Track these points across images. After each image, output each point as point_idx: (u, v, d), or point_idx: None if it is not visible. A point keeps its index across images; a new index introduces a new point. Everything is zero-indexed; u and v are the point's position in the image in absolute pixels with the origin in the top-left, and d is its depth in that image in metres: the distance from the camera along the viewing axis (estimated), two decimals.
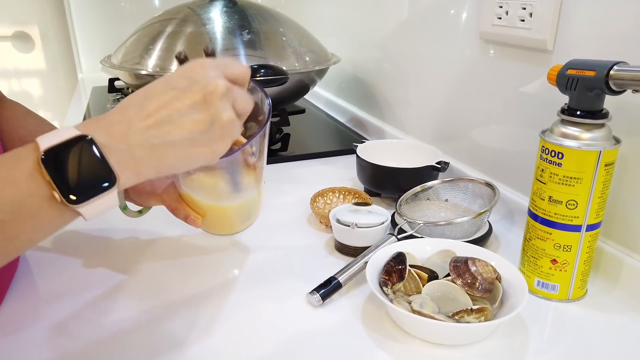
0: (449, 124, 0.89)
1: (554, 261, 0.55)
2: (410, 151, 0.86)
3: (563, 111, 0.52)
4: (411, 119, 1.00)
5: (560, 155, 0.51)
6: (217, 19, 0.93)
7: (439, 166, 0.77)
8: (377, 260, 0.56)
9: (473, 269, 0.52)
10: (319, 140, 1.10)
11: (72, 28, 1.77)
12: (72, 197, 0.36)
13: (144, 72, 0.89)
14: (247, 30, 0.92)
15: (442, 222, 0.63)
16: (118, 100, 1.32)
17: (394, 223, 0.70)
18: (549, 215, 0.54)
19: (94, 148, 0.36)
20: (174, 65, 0.88)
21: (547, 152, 0.53)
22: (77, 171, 0.36)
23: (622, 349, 0.49)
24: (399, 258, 0.54)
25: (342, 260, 0.63)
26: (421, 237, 0.62)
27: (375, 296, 0.56)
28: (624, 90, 0.48)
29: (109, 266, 0.63)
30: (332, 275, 0.57)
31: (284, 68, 0.87)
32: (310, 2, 1.47)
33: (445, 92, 0.88)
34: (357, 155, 0.81)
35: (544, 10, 0.63)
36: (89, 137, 0.36)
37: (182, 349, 0.49)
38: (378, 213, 0.67)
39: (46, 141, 0.36)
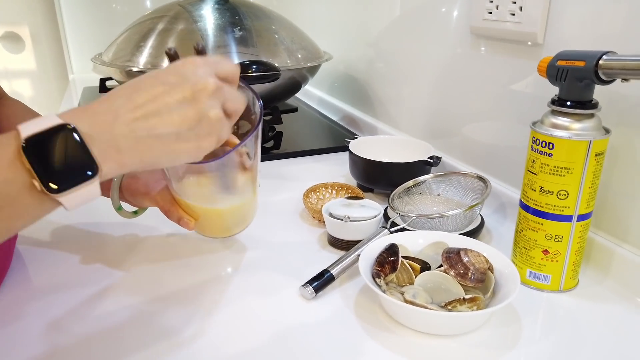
0: (441, 121, 0.89)
1: (545, 252, 0.55)
2: (403, 146, 0.86)
3: (553, 102, 0.53)
4: (404, 116, 1.01)
5: (550, 146, 0.52)
6: (208, 16, 0.93)
7: (431, 161, 0.77)
8: (370, 252, 0.56)
9: (465, 259, 0.52)
10: (312, 138, 1.10)
11: (62, 29, 1.76)
12: (52, 186, 0.35)
13: (135, 69, 0.89)
14: (238, 28, 0.92)
15: (434, 215, 0.63)
16: None
17: (386, 217, 0.70)
18: (540, 206, 0.54)
19: (76, 137, 0.36)
20: (165, 62, 0.88)
21: (537, 143, 0.53)
22: (57, 160, 0.35)
23: (614, 338, 0.49)
24: (392, 249, 0.54)
25: (335, 255, 0.63)
26: (414, 230, 0.62)
27: (369, 289, 0.56)
28: (613, 80, 0.49)
29: (103, 262, 0.62)
30: (325, 268, 0.57)
31: (276, 65, 0.87)
32: (302, 1, 1.47)
33: (437, 88, 0.89)
34: (350, 151, 0.81)
35: (534, 4, 0.64)
36: (72, 126, 0.36)
37: (176, 343, 0.48)
38: (370, 207, 0.67)
39: (28, 129, 0.35)
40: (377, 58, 1.08)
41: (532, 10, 0.64)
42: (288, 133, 1.11)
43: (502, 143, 0.75)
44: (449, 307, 0.48)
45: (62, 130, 0.36)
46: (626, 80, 0.47)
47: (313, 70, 1.00)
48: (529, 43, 0.67)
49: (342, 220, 0.63)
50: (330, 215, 0.65)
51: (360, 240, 0.62)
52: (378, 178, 0.79)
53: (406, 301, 0.48)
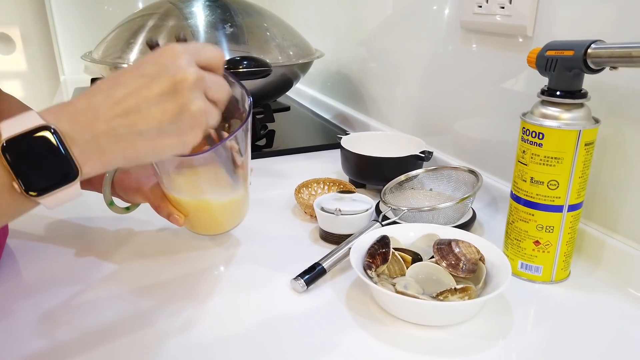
0: (433, 117, 0.89)
1: (536, 242, 0.55)
2: (394, 142, 0.86)
3: (543, 92, 0.53)
4: (396, 113, 1.01)
5: (540, 136, 0.52)
6: (199, 13, 0.92)
7: (423, 155, 0.77)
8: (361, 244, 0.55)
9: (457, 250, 0.52)
10: (304, 136, 1.10)
11: (53, 30, 1.75)
12: (32, 189, 0.35)
13: (125, 66, 0.88)
14: (229, 24, 0.91)
15: (425, 208, 0.63)
16: None
17: (378, 212, 0.69)
18: (531, 197, 0.54)
19: (57, 139, 0.36)
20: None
21: (527, 134, 0.53)
22: (38, 164, 0.35)
23: (606, 328, 0.49)
24: (383, 241, 0.53)
25: (327, 249, 0.63)
26: (405, 223, 0.62)
27: (360, 282, 0.56)
28: (602, 69, 0.49)
29: (95, 256, 0.62)
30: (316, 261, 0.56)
31: (267, 61, 0.87)
32: (295, 2, 1.47)
33: (428, 85, 0.89)
34: (342, 147, 0.81)
35: None
36: (52, 127, 0.35)
37: (168, 334, 0.48)
38: (362, 201, 0.66)
39: (8, 129, 0.35)
40: (369, 56, 1.08)
41: (521, 3, 0.64)
42: (280, 131, 1.11)
43: (493, 138, 0.75)
44: (440, 297, 0.48)
45: (42, 131, 0.35)
46: (614, 68, 0.47)
47: (305, 67, 1.00)
48: (519, 38, 0.67)
49: (333, 213, 0.63)
50: (322, 209, 0.64)
51: (352, 235, 0.61)
52: (370, 173, 0.79)
53: (397, 292, 0.48)
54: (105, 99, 0.38)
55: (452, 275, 0.51)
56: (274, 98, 1.09)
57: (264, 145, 1.02)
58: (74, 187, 0.37)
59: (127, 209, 0.67)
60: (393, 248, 0.53)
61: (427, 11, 0.86)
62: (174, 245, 0.64)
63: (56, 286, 0.55)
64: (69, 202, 0.38)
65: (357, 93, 1.16)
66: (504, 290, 0.54)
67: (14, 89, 1.87)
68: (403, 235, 0.59)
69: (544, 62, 0.52)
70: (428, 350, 0.46)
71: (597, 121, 0.52)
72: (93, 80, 1.32)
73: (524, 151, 0.54)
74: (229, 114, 0.53)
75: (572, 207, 0.53)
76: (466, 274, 0.51)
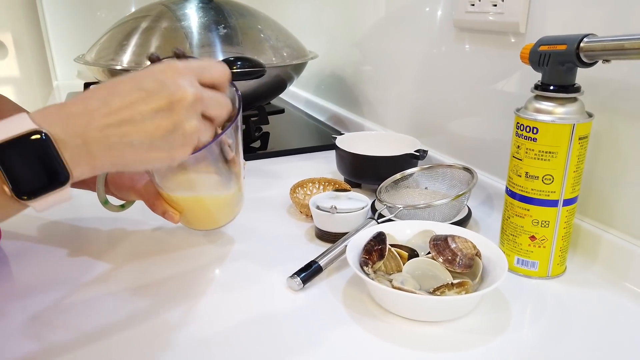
0: (427, 116, 0.89)
1: (532, 238, 0.55)
2: (389, 141, 0.86)
3: (536, 87, 0.53)
4: (390, 113, 1.01)
5: (535, 130, 0.52)
6: (192, 15, 0.92)
7: (418, 154, 0.77)
8: (357, 241, 0.55)
9: (453, 245, 0.52)
10: (299, 138, 1.10)
11: (46, 35, 1.75)
12: (23, 193, 0.36)
13: (118, 68, 0.88)
14: (223, 26, 0.91)
15: (421, 205, 0.63)
16: None
17: (374, 210, 0.69)
18: (526, 192, 0.54)
19: (49, 145, 0.36)
20: (148, 64, 0.87)
21: (522, 129, 0.53)
22: (29, 168, 0.36)
23: (603, 323, 0.49)
24: (379, 237, 0.53)
25: (323, 247, 0.63)
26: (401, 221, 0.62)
27: (357, 279, 0.56)
28: (595, 62, 0.49)
29: (89, 256, 0.61)
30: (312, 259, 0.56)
31: (261, 61, 0.86)
32: (287, 3, 1.47)
33: (423, 84, 0.89)
34: (336, 146, 0.81)
35: None
36: (44, 133, 0.35)
37: (162, 332, 0.47)
38: (358, 199, 0.66)
39: (1, 132, 0.35)
40: (363, 57, 1.08)
41: (513, 0, 0.65)
42: (275, 133, 1.11)
43: (487, 136, 0.75)
44: (437, 292, 0.47)
45: (35, 136, 0.35)
46: (607, 61, 0.47)
47: (298, 68, 1.00)
48: (512, 36, 0.67)
49: (329, 212, 0.62)
50: (318, 207, 0.64)
51: (348, 233, 0.61)
52: (365, 172, 0.79)
53: (394, 287, 0.48)
54: (100, 107, 0.38)
55: (449, 270, 0.51)
56: (268, 100, 1.09)
57: (259, 147, 1.02)
58: (64, 190, 0.37)
59: (122, 206, 0.66)
60: (389, 244, 0.53)
61: (420, 11, 0.86)
62: (168, 245, 0.64)
63: (49, 286, 0.55)
64: (60, 205, 0.38)
65: (351, 94, 1.16)
66: (501, 286, 0.54)
67: (7, 95, 1.86)
68: (399, 232, 0.58)
69: (537, 57, 0.52)
70: (425, 346, 0.46)
71: (590, 115, 0.52)
72: (86, 85, 1.32)
73: (518, 146, 0.54)
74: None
75: (567, 202, 0.54)
76: (463, 269, 0.51)
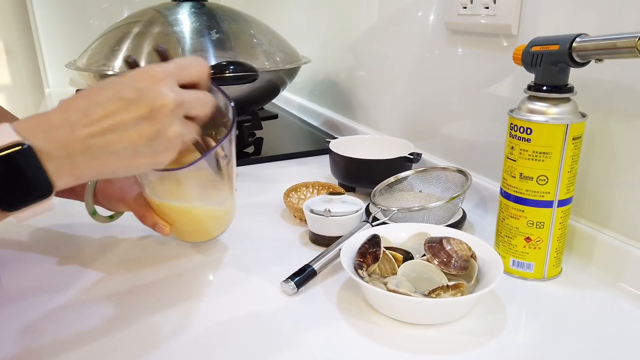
0: (421, 120, 0.89)
1: (527, 239, 0.55)
2: (383, 145, 0.86)
3: (530, 87, 0.53)
4: (384, 117, 1.01)
5: (528, 131, 0.52)
6: (184, 20, 0.92)
7: (412, 157, 0.77)
8: (352, 244, 0.55)
9: (448, 247, 0.51)
10: (293, 143, 1.10)
11: (38, 43, 1.74)
12: (5, 205, 0.36)
13: (110, 73, 0.87)
14: (215, 30, 0.91)
15: (415, 207, 0.63)
16: None
17: (368, 214, 0.69)
18: (521, 193, 0.54)
19: (32, 157, 0.36)
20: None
21: (515, 129, 0.53)
22: (12, 180, 0.36)
23: (599, 324, 0.49)
24: (374, 240, 0.53)
25: (317, 251, 0.62)
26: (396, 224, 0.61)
27: (352, 283, 0.55)
28: (588, 62, 0.49)
29: (79, 263, 0.60)
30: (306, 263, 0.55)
31: (254, 66, 0.86)
32: (280, 8, 1.47)
33: (416, 88, 0.89)
34: (330, 150, 0.81)
35: None
36: (27, 145, 0.36)
37: (155, 340, 0.46)
38: (352, 202, 0.66)
39: None
40: (356, 62, 1.08)
41: (505, 3, 0.65)
42: (268, 138, 1.10)
43: (481, 138, 0.75)
44: (432, 295, 0.47)
45: (18, 147, 0.35)
46: (600, 60, 0.47)
47: (291, 73, 1.00)
48: (504, 38, 0.67)
49: (323, 215, 0.62)
50: (312, 211, 0.63)
51: (342, 236, 0.60)
52: (359, 176, 0.79)
53: (389, 290, 0.47)
54: (81, 118, 0.38)
55: (444, 272, 0.51)
56: (261, 105, 1.09)
57: (252, 152, 1.02)
58: (47, 202, 0.38)
59: (111, 217, 0.65)
60: (384, 247, 0.53)
61: (412, 15, 0.86)
62: (160, 252, 0.63)
63: (39, 294, 0.54)
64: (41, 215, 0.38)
65: (345, 99, 1.16)
66: (496, 288, 0.53)
67: None
68: (394, 235, 0.58)
69: (530, 58, 0.52)
70: (421, 349, 0.45)
71: (584, 115, 0.52)
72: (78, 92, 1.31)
73: (512, 147, 0.54)
74: (216, 121, 0.52)
75: (562, 202, 0.53)
76: (458, 271, 0.50)
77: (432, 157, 0.86)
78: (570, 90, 0.51)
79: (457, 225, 0.65)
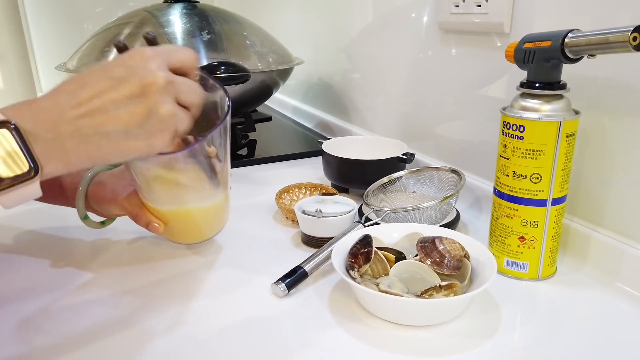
0: (415, 121, 0.88)
1: (521, 238, 0.54)
2: (376, 145, 0.85)
3: (522, 85, 0.52)
4: (378, 119, 1.00)
5: (521, 129, 0.51)
6: (176, 21, 0.91)
7: (405, 157, 0.76)
8: (344, 245, 0.54)
9: (440, 247, 0.50)
10: (286, 144, 1.09)
11: (30, 47, 1.73)
12: None
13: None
14: (207, 31, 0.90)
15: (408, 207, 0.62)
16: None
17: (361, 214, 0.68)
18: (514, 191, 0.53)
19: (17, 135, 0.35)
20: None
21: (508, 127, 0.52)
22: None
23: (594, 323, 0.48)
24: (365, 240, 0.52)
25: (309, 253, 0.61)
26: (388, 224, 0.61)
27: (344, 284, 0.54)
28: (580, 58, 0.49)
29: (72, 265, 0.59)
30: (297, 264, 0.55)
31: (246, 66, 0.85)
32: (273, 9, 1.47)
33: (409, 89, 0.88)
34: (323, 151, 0.80)
35: None
36: (13, 123, 0.35)
37: (149, 339, 0.46)
38: (344, 203, 0.65)
39: None
40: (350, 64, 1.08)
41: (497, 0, 0.64)
42: (262, 140, 1.10)
43: (475, 138, 0.75)
44: (425, 295, 0.46)
45: (3, 127, 0.35)
46: (592, 56, 0.47)
47: (284, 74, 0.99)
48: (497, 36, 0.67)
49: (314, 216, 0.61)
50: (303, 212, 0.63)
51: (334, 237, 0.60)
52: (352, 176, 0.78)
53: (381, 291, 0.47)
54: (70, 99, 0.37)
55: (437, 272, 0.50)
56: (254, 106, 1.08)
57: (246, 154, 1.01)
58: (33, 185, 0.36)
59: (102, 223, 0.64)
60: (376, 247, 0.52)
61: (406, 16, 0.86)
62: (153, 253, 0.62)
63: (32, 294, 0.53)
64: (27, 202, 0.37)
65: (338, 101, 1.15)
66: (490, 288, 0.53)
67: None
68: (386, 235, 0.57)
69: (522, 54, 0.52)
70: (414, 350, 0.44)
71: (577, 112, 0.51)
72: None
73: (505, 145, 0.53)
74: (209, 120, 0.51)
75: (556, 201, 0.53)
76: (451, 270, 0.49)
77: (426, 158, 0.85)
78: (563, 86, 0.51)
79: (451, 225, 0.65)
